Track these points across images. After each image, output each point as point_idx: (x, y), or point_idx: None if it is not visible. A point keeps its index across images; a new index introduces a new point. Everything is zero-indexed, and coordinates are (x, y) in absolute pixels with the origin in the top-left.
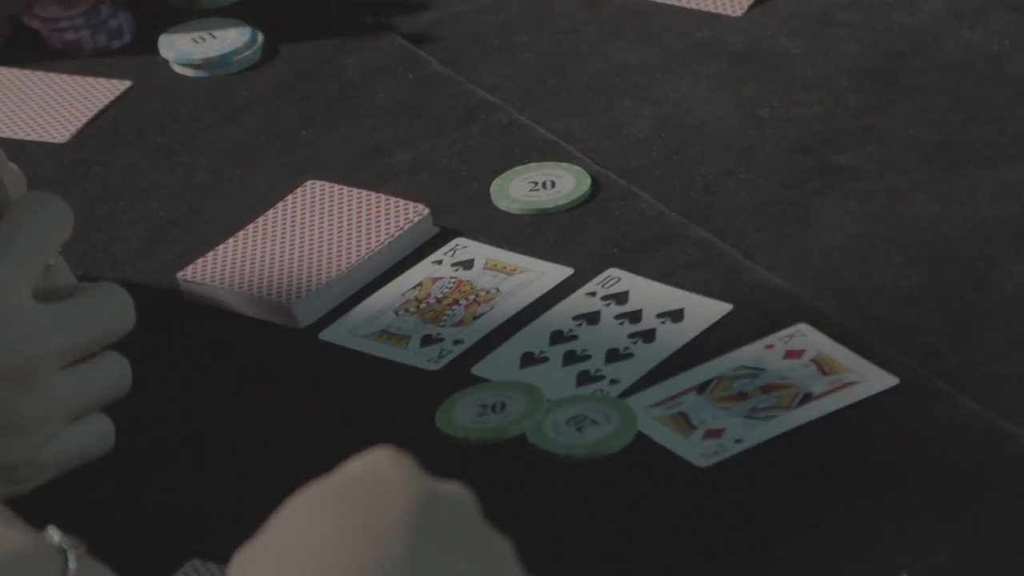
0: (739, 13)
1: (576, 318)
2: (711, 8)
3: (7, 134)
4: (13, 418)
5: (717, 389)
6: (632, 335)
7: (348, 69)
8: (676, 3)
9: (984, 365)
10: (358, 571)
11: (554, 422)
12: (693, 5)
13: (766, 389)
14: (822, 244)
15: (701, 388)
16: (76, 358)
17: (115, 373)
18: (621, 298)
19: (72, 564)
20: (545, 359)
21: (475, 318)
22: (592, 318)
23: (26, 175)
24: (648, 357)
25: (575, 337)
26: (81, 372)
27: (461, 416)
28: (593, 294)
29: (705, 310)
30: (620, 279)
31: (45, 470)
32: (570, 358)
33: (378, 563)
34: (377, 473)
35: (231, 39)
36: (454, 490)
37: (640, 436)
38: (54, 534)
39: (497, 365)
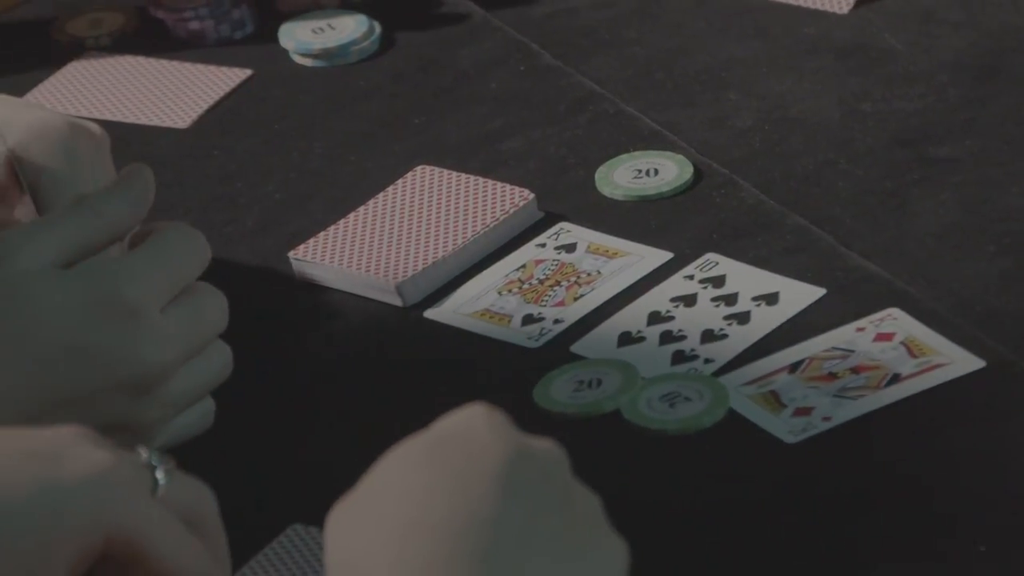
0: (845, 10)
1: (673, 300)
2: (818, 6)
3: (131, 119)
4: (127, 422)
5: (808, 369)
6: (727, 317)
7: (462, 60)
8: (784, 1)
9: None
10: (447, 525)
11: (648, 398)
12: (801, 3)
13: (856, 370)
14: (917, 232)
15: (792, 368)
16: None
17: (220, 363)
18: (718, 281)
19: (162, 480)
20: (642, 339)
21: (576, 299)
22: (689, 300)
23: (148, 159)
24: (742, 338)
25: (672, 318)
26: (190, 371)
27: (558, 391)
28: (691, 277)
29: (799, 294)
30: (718, 263)
31: None
32: (666, 338)
33: (467, 517)
34: (469, 429)
35: (349, 30)
36: (545, 446)
37: (731, 413)
38: (143, 451)
39: (595, 344)
